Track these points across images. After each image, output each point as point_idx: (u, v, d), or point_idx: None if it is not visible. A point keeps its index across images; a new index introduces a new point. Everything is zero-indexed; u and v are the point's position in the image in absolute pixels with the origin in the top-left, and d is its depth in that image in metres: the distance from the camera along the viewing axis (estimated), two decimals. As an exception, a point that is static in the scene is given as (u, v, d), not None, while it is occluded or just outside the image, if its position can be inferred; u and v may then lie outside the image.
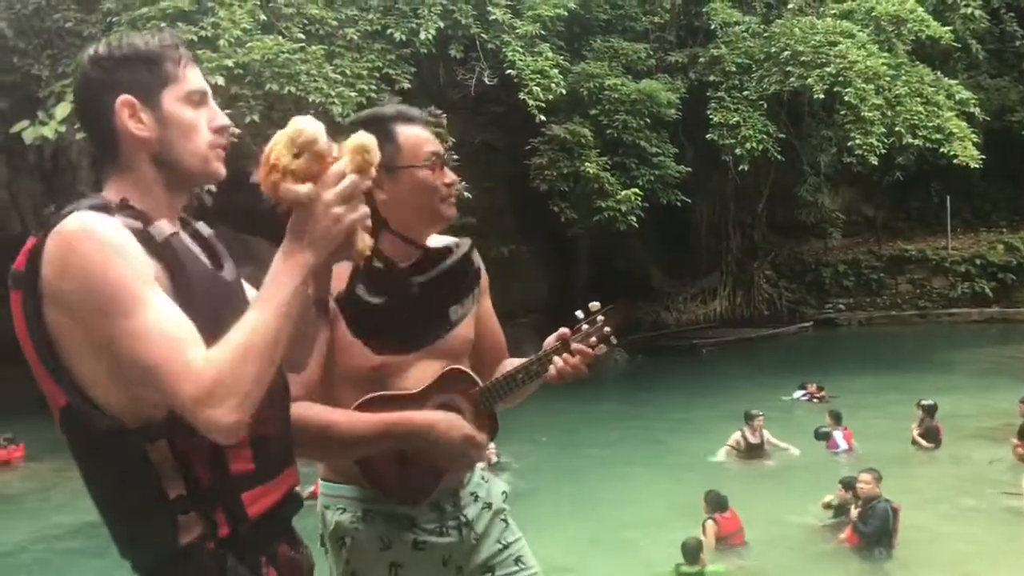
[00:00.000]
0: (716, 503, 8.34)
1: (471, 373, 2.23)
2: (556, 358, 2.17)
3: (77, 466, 1.56)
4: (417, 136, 2.15)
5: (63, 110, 15.36)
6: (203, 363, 1.38)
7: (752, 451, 11.29)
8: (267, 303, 1.44)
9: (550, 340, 2.21)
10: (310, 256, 1.46)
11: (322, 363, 2.04)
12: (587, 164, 17.22)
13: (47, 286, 1.46)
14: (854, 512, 8.23)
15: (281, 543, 1.64)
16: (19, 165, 17.47)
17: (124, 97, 1.55)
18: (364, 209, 1.51)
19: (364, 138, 1.54)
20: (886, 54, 18.71)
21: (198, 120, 1.59)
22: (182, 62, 1.59)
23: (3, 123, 16.73)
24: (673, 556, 7.53)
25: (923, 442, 11.48)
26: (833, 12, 19.57)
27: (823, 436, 11.56)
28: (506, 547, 2.33)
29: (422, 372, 2.16)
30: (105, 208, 1.50)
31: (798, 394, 14.81)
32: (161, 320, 1.41)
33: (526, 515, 2.59)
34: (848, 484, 8.65)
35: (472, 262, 2.22)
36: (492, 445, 10.53)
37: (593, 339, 2.18)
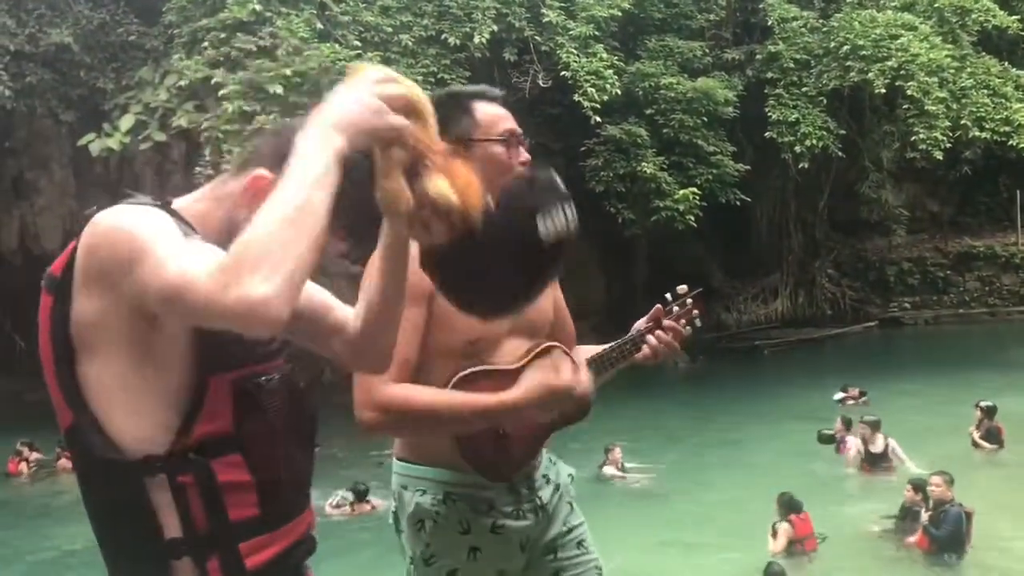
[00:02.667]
0: (789, 505, 8.16)
1: (565, 349, 2.25)
2: (649, 336, 2.26)
3: (80, 487, 1.51)
4: (495, 113, 2.17)
5: (128, 122, 15.74)
6: (224, 255, 1.26)
7: (875, 461, 10.53)
8: (291, 175, 1.28)
9: (640, 323, 2.30)
10: (338, 136, 1.30)
11: (418, 344, 2.08)
12: (643, 164, 17.11)
13: (78, 271, 1.42)
14: (925, 516, 8.01)
15: None
16: (85, 177, 17.92)
17: (260, 174, 1.51)
18: (403, 122, 1.37)
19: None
20: (950, 46, 18.27)
21: None
22: None
23: (70, 136, 17.22)
24: (741, 560, 7.42)
25: (985, 444, 11.17)
26: (894, 4, 19.19)
27: (827, 440, 11.46)
28: (570, 530, 2.34)
29: (514, 347, 2.18)
30: (138, 204, 1.49)
31: (838, 396, 14.65)
32: (184, 249, 1.34)
33: (596, 516, 2.57)
34: (917, 485, 8.44)
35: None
36: (618, 450, 10.74)
37: (682, 321, 2.28)
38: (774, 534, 8.00)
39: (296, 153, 1.29)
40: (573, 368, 2.17)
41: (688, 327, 2.28)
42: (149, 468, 1.41)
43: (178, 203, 1.54)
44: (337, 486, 10.16)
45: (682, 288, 2.30)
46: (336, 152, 1.29)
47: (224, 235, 1.40)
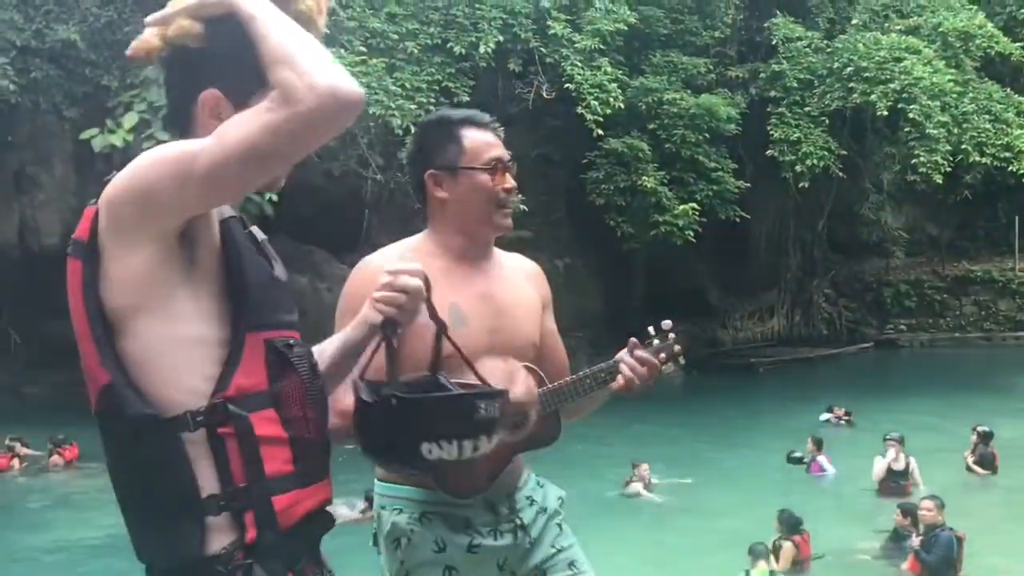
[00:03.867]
0: (791, 523, 8.09)
1: (539, 371, 2.27)
2: (623, 366, 2.21)
3: (108, 458, 1.52)
4: (482, 140, 2.22)
5: (131, 119, 15.77)
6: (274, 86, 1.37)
7: (895, 477, 10.38)
8: (268, 17, 1.44)
9: (621, 354, 2.25)
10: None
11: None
12: (644, 178, 17.14)
13: (107, 226, 1.45)
14: (915, 540, 8.00)
15: (308, 561, 1.55)
16: (87, 173, 17.91)
17: (211, 91, 1.53)
18: None
19: None
20: (953, 70, 18.35)
21: None
22: None
23: (73, 132, 17.23)
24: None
25: (978, 469, 11.18)
26: (899, 28, 19.28)
27: (796, 460, 11.62)
28: (560, 551, 2.33)
29: (488, 368, 2.13)
30: None
31: (824, 416, 14.68)
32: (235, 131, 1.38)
33: (587, 532, 2.57)
34: (907, 510, 8.43)
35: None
36: (646, 467, 10.65)
37: (663, 355, 2.23)
38: (775, 551, 7.92)
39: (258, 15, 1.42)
40: (523, 378, 2.16)
41: (669, 364, 2.23)
42: (187, 423, 1.43)
43: None
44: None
45: (667, 324, 2.25)
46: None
47: None
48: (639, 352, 2.23)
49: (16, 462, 13.68)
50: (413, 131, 2.49)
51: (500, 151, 2.23)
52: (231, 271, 1.48)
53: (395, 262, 1.95)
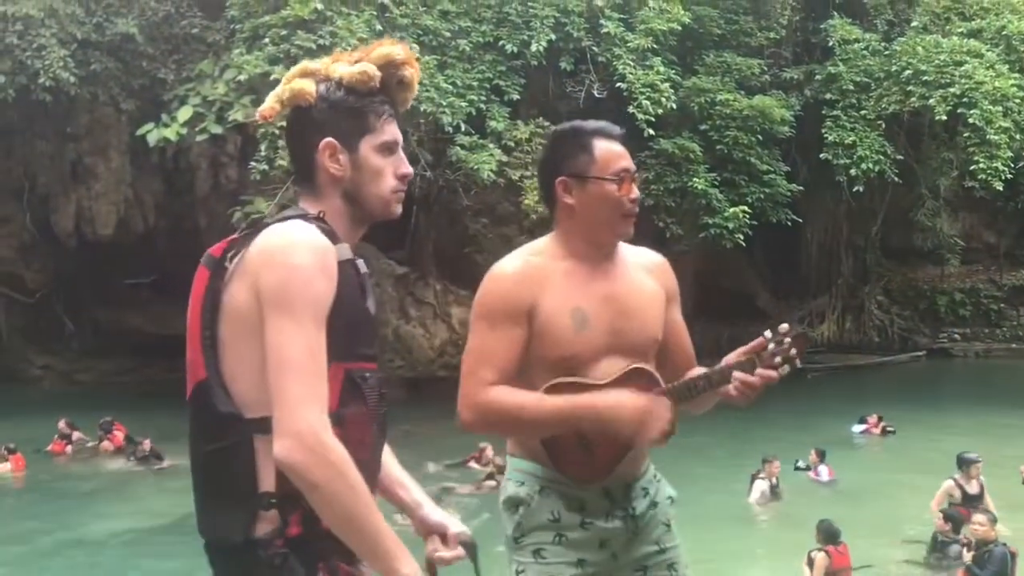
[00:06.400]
0: (829, 534, 7.96)
1: (655, 373, 2.35)
2: (738, 374, 2.24)
3: (191, 442, 1.74)
4: (611, 151, 2.34)
5: (185, 113, 15.99)
6: (309, 423, 1.59)
7: (971, 502, 9.31)
8: (361, 514, 1.65)
9: (731, 356, 2.28)
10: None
11: (517, 354, 2.25)
12: (695, 179, 16.97)
13: (249, 267, 1.68)
14: (967, 555, 7.80)
15: (340, 558, 1.71)
16: (142, 165, 18.23)
17: (328, 140, 1.78)
18: None
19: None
20: (1017, 75, 17.89)
21: (386, 167, 1.82)
22: (383, 117, 1.82)
23: (129, 124, 17.53)
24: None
25: (1032, 485, 10.84)
26: (960, 30, 18.84)
27: (802, 470, 11.88)
28: (663, 551, 2.41)
29: (609, 366, 2.29)
30: (304, 218, 1.73)
31: (857, 428, 14.39)
32: (316, 358, 1.63)
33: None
34: (949, 516, 8.23)
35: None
36: (777, 462, 10.59)
37: (778, 359, 2.23)
38: (810, 563, 7.82)
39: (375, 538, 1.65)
40: (662, 404, 2.26)
41: (786, 366, 2.23)
42: (263, 427, 1.64)
43: (313, 211, 1.79)
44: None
45: (784, 327, 2.26)
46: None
47: (348, 210, 1.79)
48: (741, 375, 2.23)
49: (69, 448, 13.95)
50: (547, 138, 2.61)
51: (628, 162, 2.36)
52: (335, 311, 1.67)
53: (521, 264, 2.29)
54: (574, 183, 2.32)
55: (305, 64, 1.85)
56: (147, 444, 13.03)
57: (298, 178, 1.84)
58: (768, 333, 2.25)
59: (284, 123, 1.85)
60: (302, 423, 1.58)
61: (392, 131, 1.82)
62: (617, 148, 2.35)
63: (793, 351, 2.22)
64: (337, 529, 1.64)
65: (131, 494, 11.88)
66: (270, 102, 1.82)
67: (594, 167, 2.31)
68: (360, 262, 1.85)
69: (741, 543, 9.62)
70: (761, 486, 10.71)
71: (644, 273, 2.42)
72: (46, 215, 19.19)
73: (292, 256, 1.64)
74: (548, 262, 2.32)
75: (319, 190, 1.80)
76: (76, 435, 14.03)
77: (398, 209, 1.85)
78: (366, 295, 1.82)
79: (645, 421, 2.23)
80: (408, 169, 1.84)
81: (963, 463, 9.79)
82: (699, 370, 2.41)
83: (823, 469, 11.73)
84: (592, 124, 2.41)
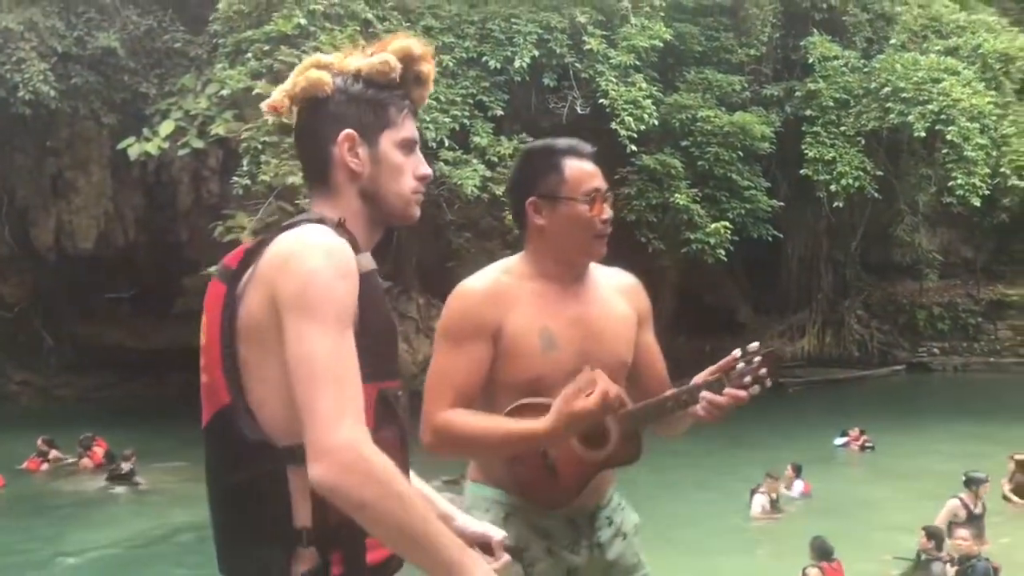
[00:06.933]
0: (822, 550, 7.95)
1: (622, 394, 2.27)
2: (706, 393, 2.19)
3: (209, 473, 1.60)
4: (583, 170, 2.29)
5: (167, 127, 15.93)
6: (346, 438, 1.44)
7: (974, 524, 8.95)
8: (417, 523, 1.50)
9: (700, 376, 2.24)
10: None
11: (481, 375, 2.21)
12: (677, 195, 17.06)
13: (263, 277, 1.54)
14: (951, 571, 7.84)
15: None
16: (123, 179, 18.13)
17: (347, 132, 1.66)
18: None
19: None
20: (993, 92, 18.13)
21: (406, 165, 1.70)
22: (404, 111, 1.72)
23: (111, 138, 17.44)
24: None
25: (1015, 498, 10.93)
26: (937, 48, 19.07)
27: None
28: None
29: None
30: (325, 222, 1.60)
31: (839, 441, 14.44)
32: (345, 364, 1.49)
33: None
34: (932, 533, 8.26)
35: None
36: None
37: (747, 379, 2.19)
38: None
39: (436, 532, 1.50)
40: (601, 388, 2.11)
41: (755, 385, 2.19)
42: (295, 456, 1.49)
43: (331, 216, 1.65)
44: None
45: (753, 345, 2.22)
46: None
47: (365, 211, 1.67)
48: (709, 396, 2.19)
49: (46, 465, 13.76)
50: (517, 157, 2.53)
51: (599, 182, 2.30)
52: (364, 328, 1.56)
53: (490, 283, 2.24)
54: (545, 203, 2.27)
55: (317, 57, 1.72)
56: (128, 463, 12.73)
57: (310, 178, 1.71)
58: (737, 352, 2.22)
59: (294, 119, 1.73)
60: (337, 439, 1.43)
61: (411, 128, 1.73)
62: (588, 167, 2.30)
63: (763, 370, 2.19)
64: (393, 546, 1.52)
65: (105, 515, 11.73)
66: (278, 95, 1.69)
67: (565, 187, 2.26)
68: (375, 266, 1.72)
69: (732, 560, 9.62)
70: (761, 500, 10.75)
71: (616, 295, 2.39)
72: (25, 229, 19.03)
73: (308, 260, 1.51)
74: (517, 282, 2.28)
75: (335, 189, 1.67)
76: (53, 453, 13.86)
77: (417, 212, 1.73)
78: (390, 308, 1.72)
79: (598, 415, 2.12)
80: (427, 170, 1.74)
81: (972, 483, 9.40)
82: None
83: (798, 484, 11.73)
84: (563, 143, 2.36)
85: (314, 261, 1.51)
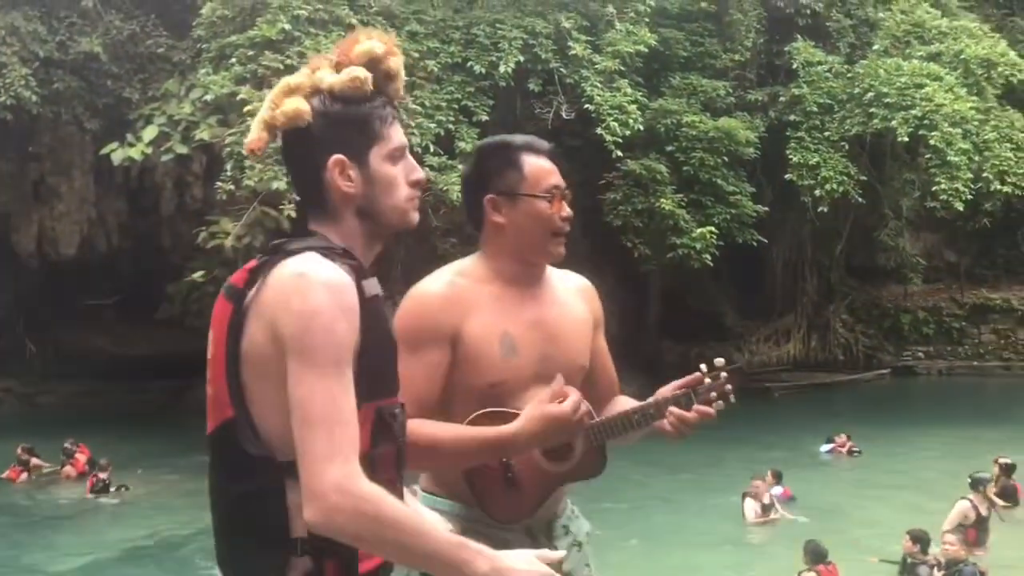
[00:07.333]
0: (816, 554, 7.97)
1: (589, 408, 2.24)
2: (674, 409, 2.17)
3: (212, 481, 1.66)
4: (541, 167, 2.23)
5: (151, 132, 15.84)
6: (333, 480, 1.49)
7: (982, 527, 8.92)
8: (423, 534, 1.56)
9: (666, 390, 2.22)
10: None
11: (439, 382, 2.15)
12: (662, 200, 17.08)
13: (265, 308, 1.57)
14: (937, 575, 7.85)
15: None
16: (107, 184, 18.02)
17: (336, 157, 1.66)
18: None
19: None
20: (975, 98, 18.23)
21: (398, 175, 1.71)
22: (388, 121, 1.71)
23: (93, 143, 17.33)
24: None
25: (1000, 502, 10.95)
26: (920, 54, 19.16)
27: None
28: None
29: (536, 394, 2.17)
30: (330, 252, 1.61)
31: (825, 447, 14.44)
32: (340, 407, 1.53)
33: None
34: (916, 537, 8.27)
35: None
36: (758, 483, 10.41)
37: (713, 394, 2.18)
38: None
39: (445, 544, 1.56)
40: (574, 399, 2.12)
41: (720, 401, 2.17)
42: (294, 471, 1.54)
43: (334, 241, 1.67)
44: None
45: (719, 361, 2.21)
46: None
47: (363, 227, 1.68)
48: (678, 412, 2.17)
49: (25, 475, 13.61)
50: (472, 154, 2.48)
51: (558, 178, 2.25)
52: (365, 352, 1.58)
53: (446, 286, 2.18)
54: (503, 201, 2.21)
55: (286, 82, 1.69)
56: (104, 473, 12.57)
57: (305, 201, 1.71)
58: (703, 367, 2.20)
59: (280, 145, 1.71)
60: (325, 482, 1.49)
61: (398, 136, 1.71)
62: (547, 164, 2.24)
63: (728, 386, 2.17)
64: (400, 564, 1.59)
65: (83, 525, 11.61)
66: (257, 131, 1.68)
67: (524, 184, 2.21)
68: (378, 287, 1.72)
69: (725, 567, 9.62)
70: (752, 504, 10.71)
71: (573, 296, 2.35)
72: (7, 235, 18.88)
73: (309, 299, 1.54)
74: (474, 285, 2.22)
75: (331, 212, 1.68)
76: (34, 461, 13.72)
77: (416, 217, 1.73)
78: (390, 326, 1.74)
79: (574, 425, 2.12)
80: (420, 174, 1.74)
81: (978, 484, 9.24)
82: (627, 401, 2.34)
83: (778, 489, 11.67)
84: (520, 139, 2.30)
85: (315, 299, 1.54)
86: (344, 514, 1.49)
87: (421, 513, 1.82)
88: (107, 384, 19.51)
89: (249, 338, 1.59)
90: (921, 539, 8.17)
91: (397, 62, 1.73)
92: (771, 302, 23.97)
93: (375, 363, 1.61)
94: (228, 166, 13.99)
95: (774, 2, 19.83)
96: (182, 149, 15.53)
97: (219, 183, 14.22)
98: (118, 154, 15.97)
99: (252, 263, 1.66)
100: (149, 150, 15.68)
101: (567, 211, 2.25)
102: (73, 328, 20.10)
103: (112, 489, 12.49)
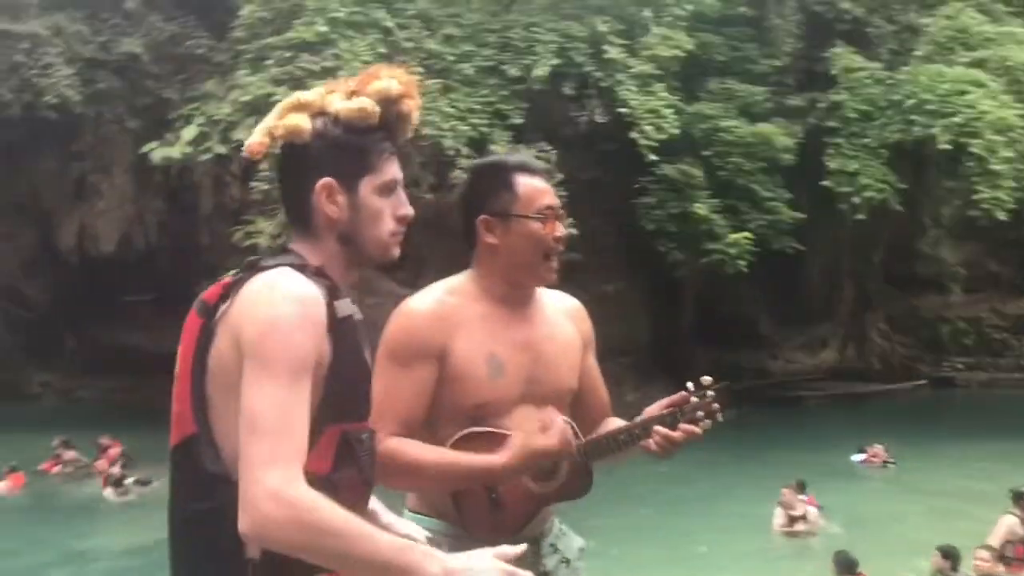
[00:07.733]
0: (846, 564, 7.86)
1: (573, 426, 2.24)
2: (660, 428, 2.16)
3: (171, 496, 1.65)
4: (535, 187, 2.23)
5: (190, 132, 16.04)
6: (269, 487, 1.46)
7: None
8: (364, 541, 1.51)
9: (652, 409, 2.22)
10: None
11: (425, 400, 2.14)
12: (697, 205, 16.98)
13: (233, 319, 1.58)
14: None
15: None
16: (146, 183, 18.27)
17: (326, 180, 1.67)
18: None
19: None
20: (1020, 105, 17.92)
21: (385, 209, 1.71)
22: (385, 154, 1.72)
23: (134, 142, 17.59)
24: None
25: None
26: (964, 60, 18.87)
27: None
28: None
29: (522, 416, 2.18)
30: (303, 269, 1.63)
31: (857, 457, 14.20)
32: (288, 416, 1.51)
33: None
34: (947, 552, 8.12)
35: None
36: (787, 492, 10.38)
37: (700, 413, 2.17)
38: None
39: (388, 546, 1.51)
40: (560, 428, 2.13)
41: (707, 420, 2.16)
42: None
43: (309, 259, 1.68)
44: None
45: (707, 379, 2.19)
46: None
47: (343, 252, 1.69)
48: (663, 431, 2.16)
49: (60, 467, 13.81)
50: (467, 174, 2.48)
51: (552, 199, 2.24)
52: (334, 373, 1.59)
53: (435, 303, 2.18)
54: (496, 221, 2.20)
55: (298, 97, 1.72)
56: (115, 467, 12.75)
57: (290, 218, 1.73)
58: (691, 385, 2.18)
59: (278, 155, 1.74)
60: (260, 489, 1.45)
61: (393, 170, 1.72)
62: (540, 184, 2.24)
63: (715, 405, 2.16)
64: (348, 573, 1.55)
65: (111, 519, 11.74)
66: (258, 136, 1.70)
67: (517, 204, 2.20)
68: (355, 309, 1.74)
69: (752, 570, 9.54)
70: (781, 513, 10.62)
71: (563, 318, 2.33)
72: (49, 231, 19.21)
73: (274, 307, 1.54)
74: (463, 303, 2.21)
75: (314, 232, 1.69)
76: (69, 454, 13.92)
77: (396, 252, 1.74)
78: (364, 350, 1.73)
79: (559, 455, 2.14)
80: (408, 210, 1.74)
81: (1022, 497, 8.77)
82: (618, 422, 2.31)
83: (801, 499, 11.32)
84: (514, 159, 2.34)
85: (280, 308, 1.54)
86: (277, 523, 1.45)
87: (362, 520, 1.77)
88: (143, 381, 19.74)
89: (216, 351, 1.59)
90: (952, 555, 8.01)
91: (411, 105, 1.74)
92: (807, 310, 23.70)
93: (343, 386, 1.61)
94: (265, 166, 14.11)
95: (814, 7, 19.64)
96: (221, 149, 15.71)
97: (254, 183, 14.36)
98: (158, 153, 16.20)
99: (227, 279, 1.66)
100: (188, 149, 15.89)
101: (560, 231, 2.23)
102: (111, 324, 20.37)
103: (126, 483, 12.64)
